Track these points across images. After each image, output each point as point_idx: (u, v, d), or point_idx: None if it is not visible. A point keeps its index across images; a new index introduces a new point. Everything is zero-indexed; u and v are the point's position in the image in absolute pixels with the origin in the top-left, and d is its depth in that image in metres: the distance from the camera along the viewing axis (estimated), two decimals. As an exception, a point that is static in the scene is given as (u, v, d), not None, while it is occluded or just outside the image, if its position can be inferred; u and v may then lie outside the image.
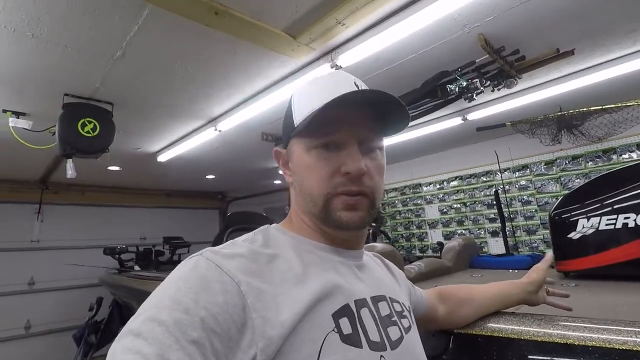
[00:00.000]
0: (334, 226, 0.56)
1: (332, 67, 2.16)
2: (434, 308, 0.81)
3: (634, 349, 0.65)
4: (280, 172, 0.65)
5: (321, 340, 0.45)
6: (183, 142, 3.50)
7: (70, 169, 2.59)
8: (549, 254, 1.01)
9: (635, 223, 1.30)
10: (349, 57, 2.10)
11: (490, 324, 0.85)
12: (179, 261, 4.87)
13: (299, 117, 0.58)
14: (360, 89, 0.57)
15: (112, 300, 4.21)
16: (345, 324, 0.49)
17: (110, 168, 4.38)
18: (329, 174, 0.55)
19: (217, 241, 2.81)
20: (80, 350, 3.73)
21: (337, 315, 0.49)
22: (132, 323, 0.41)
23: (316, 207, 0.56)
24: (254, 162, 4.65)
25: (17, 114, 2.63)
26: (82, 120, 2.46)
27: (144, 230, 5.91)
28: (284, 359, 0.43)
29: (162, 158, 3.94)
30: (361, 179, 0.55)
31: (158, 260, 4.98)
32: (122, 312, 4.12)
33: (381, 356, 0.50)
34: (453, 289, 0.88)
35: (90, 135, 2.48)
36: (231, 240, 0.55)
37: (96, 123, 2.51)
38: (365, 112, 0.56)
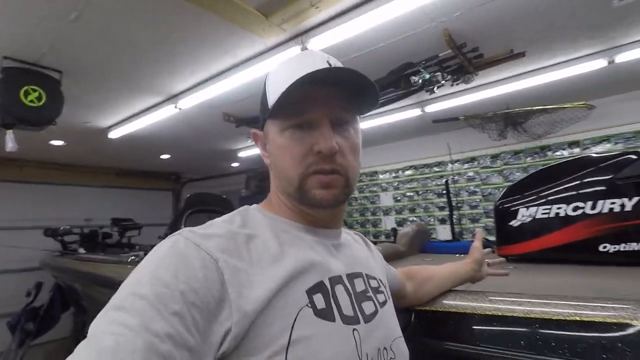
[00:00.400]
0: (309, 204, 0.57)
1: (302, 50, 2.15)
2: (404, 286, 0.88)
3: (567, 319, 0.76)
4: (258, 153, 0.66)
5: (294, 315, 0.47)
6: (139, 119, 3.32)
7: (10, 141, 2.36)
8: (478, 230, 1.13)
9: (566, 213, 1.47)
10: (319, 41, 2.11)
11: (446, 301, 0.94)
12: (128, 244, 4.69)
13: (272, 98, 0.56)
14: (332, 66, 0.56)
15: (54, 284, 3.93)
16: (319, 300, 0.51)
17: (54, 142, 4.03)
18: (302, 154, 0.55)
19: (176, 223, 2.73)
20: (16, 338, 3.45)
21: (311, 292, 0.51)
22: (114, 300, 0.42)
23: (291, 187, 0.57)
24: (214, 143, 4.52)
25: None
26: (25, 87, 2.24)
27: (90, 211, 5.51)
28: (258, 332, 0.44)
29: (114, 134, 3.70)
30: (334, 157, 0.55)
31: (105, 243, 4.70)
32: (64, 297, 3.86)
33: (354, 329, 0.52)
34: (417, 269, 0.96)
35: (34, 104, 2.27)
36: (209, 222, 0.55)
37: (41, 91, 2.30)
38: (338, 90, 0.56)
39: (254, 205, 0.63)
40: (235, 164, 5.86)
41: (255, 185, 5.37)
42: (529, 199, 1.59)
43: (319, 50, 0.62)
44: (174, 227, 2.72)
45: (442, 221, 4.80)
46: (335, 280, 0.56)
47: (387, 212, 5.34)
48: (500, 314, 0.85)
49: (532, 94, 3.21)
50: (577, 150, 3.89)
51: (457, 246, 2.31)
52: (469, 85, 2.91)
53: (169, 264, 0.44)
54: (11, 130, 2.37)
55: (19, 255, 4.57)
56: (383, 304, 0.62)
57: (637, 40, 2.45)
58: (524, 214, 1.59)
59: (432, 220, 4.90)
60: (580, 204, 1.45)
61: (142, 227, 4.95)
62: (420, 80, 2.43)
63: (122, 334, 0.37)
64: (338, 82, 0.55)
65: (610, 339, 0.70)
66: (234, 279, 0.45)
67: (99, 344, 0.37)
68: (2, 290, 4.58)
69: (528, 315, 0.81)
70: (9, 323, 3.63)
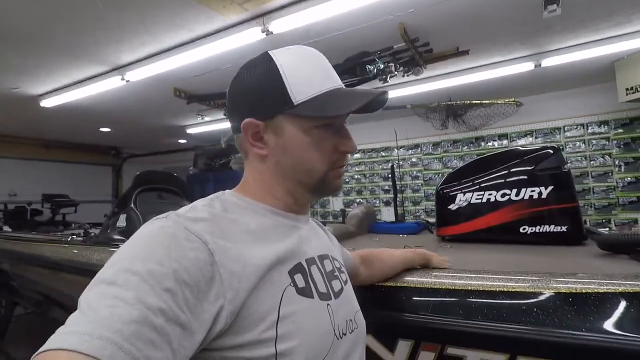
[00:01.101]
0: (327, 192, 0.66)
1: (263, 32, 2.16)
2: (356, 268, 0.97)
3: (496, 290, 0.92)
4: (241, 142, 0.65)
5: (280, 294, 0.52)
6: (78, 88, 3.06)
7: None
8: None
9: (495, 198, 1.67)
10: (281, 24, 2.13)
11: (397, 278, 1.07)
12: (63, 222, 4.37)
13: (299, 95, 0.58)
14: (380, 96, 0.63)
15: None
16: (299, 279, 0.56)
17: (-30, 108, 3.59)
18: (329, 152, 0.61)
19: (125, 201, 2.61)
20: None
21: (292, 272, 0.56)
22: (104, 275, 0.42)
23: (312, 179, 0.62)
24: (161, 118, 4.31)
25: None
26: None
27: (14, 186, 5.00)
28: (249, 310, 0.48)
29: (47, 103, 3.38)
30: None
31: (34, 221, 4.33)
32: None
33: (328, 304, 0.58)
34: (374, 253, 1.06)
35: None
36: (190, 205, 0.57)
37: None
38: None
39: (228, 191, 0.65)
40: (182, 141, 5.64)
41: (203, 162, 5.23)
42: (466, 185, 1.76)
43: (316, 50, 0.66)
44: (122, 205, 2.60)
45: (387, 203, 5.09)
46: (311, 261, 0.62)
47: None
48: (443, 287, 0.99)
49: (472, 89, 3.50)
50: (505, 142, 4.34)
51: (401, 227, 2.47)
52: (417, 77, 3.10)
53: (160, 243, 0.45)
54: None
55: None
56: (345, 282, 0.71)
57: (561, 48, 2.79)
58: (461, 199, 1.75)
59: (378, 202, 5.17)
60: (507, 191, 1.64)
61: (78, 204, 4.62)
62: (375, 69, 2.56)
63: (116, 306, 0.38)
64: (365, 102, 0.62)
65: (528, 305, 0.86)
66: (225, 260, 0.47)
67: (94, 314, 0.37)
68: None
69: (464, 288, 0.97)
70: None
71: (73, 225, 4.21)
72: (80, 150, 5.83)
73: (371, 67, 2.54)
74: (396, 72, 2.56)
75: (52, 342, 0.36)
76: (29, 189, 4.94)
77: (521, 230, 1.60)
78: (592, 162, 3.92)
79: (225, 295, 0.45)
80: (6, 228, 3.92)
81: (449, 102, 3.63)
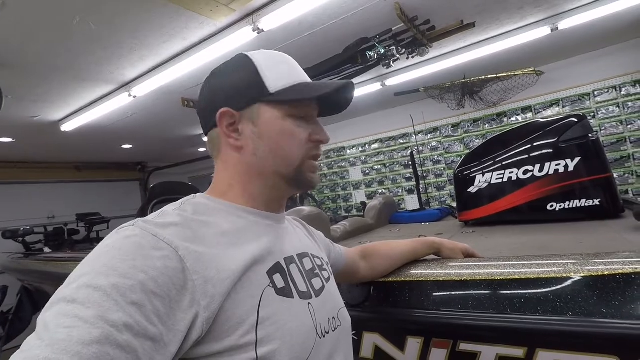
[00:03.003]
0: (301, 185, 0.66)
1: (254, 31, 2.11)
2: (355, 264, 0.93)
3: (510, 277, 0.84)
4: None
5: (259, 295, 0.50)
6: (92, 109, 3.16)
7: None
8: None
9: (517, 176, 1.58)
10: (271, 20, 2.08)
11: (402, 271, 1.01)
12: (97, 239, 4.57)
13: (275, 84, 0.61)
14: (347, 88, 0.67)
15: (20, 287, 3.81)
16: (278, 279, 0.55)
17: (0, 140, 3.80)
18: (304, 140, 0.63)
19: (141, 214, 2.68)
20: (-14, 344, 3.37)
21: (270, 272, 0.55)
22: (63, 291, 0.40)
23: (289, 168, 0.62)
24: (175, 129, 4.40)
25: None
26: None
27: (52, 208, 5.29)
28: (227, 314, 0.46)
29: (67, 127, 3.52)
30: (321, 145, 0.66)
31: (72, 240, 4.56)
32: (33, 299, 3.76)
33: (309, 303, 0.57)
34: (375, 246, 1.01)
35: (-31, 101, 2.13)
36: (160, 210, 0.55)
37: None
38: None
39: (200, 194, 0.63)
40: (202, 149, 5.74)
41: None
42: (485, 165, 1.68)
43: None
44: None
45: (410, 191, 4.95)
46: (289, 260, 0.60)
47: (357, 186, 5.44)
48: (451, 279, 0.92)
49: (486, 63, 3.30)
50: (530, 115, 4.07)
51: (423, 215, 2.39)
52: (425, 58, 2.96)
53: (125, 253, 0.43)
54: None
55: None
56: (327, 279, 0.68)
57: (579, 7, 2.56)
58: (481, 180, 1.68)
59: (401, 191, 5.04)
60: (530, 167, 1.55)
61: (109, 221, 4.83)
62: (376, 55, 2.46)
63: (75, 326, 0.36)
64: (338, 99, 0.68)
65: (554, 292, 0.77)
66: (197, 265, 0.46)
67: (50, 338, 0.35)
68: (-35, 298, 4.38)
69: (475, 278, 0.89)
70: (-24, 330, 3.52)
71: (106, 241, 4.39)
72: (108, 169, 6.09)
73: (372, 53, 2.44)
74: (399, 56, 2.45)
75: None
76: (65, 210, 5.21)
77: (549, 207, 1.51)
78: (629, 127, 3.60)
79: (200, 302, 0.44)
80: (46, 249, 4.15)
81: (463, 80, 3.46)
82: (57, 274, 2.87)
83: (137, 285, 0.40)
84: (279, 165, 0.61)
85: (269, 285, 0.53)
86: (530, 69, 3.13)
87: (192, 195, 0.62)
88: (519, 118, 4.13)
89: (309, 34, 2.37)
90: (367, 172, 5.33)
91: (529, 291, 0.80)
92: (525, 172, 1.57)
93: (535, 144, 1.58)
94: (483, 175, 1.68)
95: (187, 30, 2.16)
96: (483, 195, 1.67)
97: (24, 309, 3.73)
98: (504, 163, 1.63)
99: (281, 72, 0.62)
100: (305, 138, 0.63)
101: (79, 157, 5.37)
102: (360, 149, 5.38)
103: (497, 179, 1.64)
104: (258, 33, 2.13)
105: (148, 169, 6.61)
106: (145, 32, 2.12)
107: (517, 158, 1.60)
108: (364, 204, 4.75)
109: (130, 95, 2.86)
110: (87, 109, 3.21)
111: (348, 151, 5.50)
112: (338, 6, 2.11)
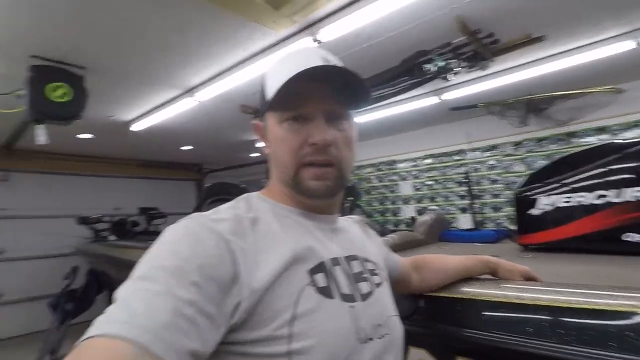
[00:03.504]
0: (303, 194, 0.61)
1: (314, 41, 2.17)
2: (408, 274, 0.90)
3: (578, 306, 0.76)
4: (261, 144, 0.70)
5: (298, 292, 0.52)
6: (158, 112, 3.43)
7: (41, 135, 2.50)
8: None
9: (589, 201, 1.44)
10: (330, 32, 2.12)
11: (455, 287, 0.96)
12: (155, 232, 4.90)
13: (271, 92, 0.60)
14: (330, 63, 0.59)
15: (89, 269, 4.19)
16: (319, 279, 0.55)
17: (81, 136, 4.24)
18: (298, 145, 0.59)
19: (197, 211, 2.84)
20: (57, 317, 3.72)
21: (312, 271, 0.55)
22: (137, 272, 0.45)
23: (287, 176, 0.61)
24: (233, 134, 4.61)
25: (-21, 75, 2.50)
26: (52, 84, 2.37)
27: (118, 201, 5.79)
28: (265, 307, 0.49)
29: (136, 127, 3.85)
30: (327, 149, 0.59)
31: (134, 231, 4.94)
32: (99, 280, 4.12)
33: (350, 306, 0.56)
34: (428, 259, 0.97)
35: (61, 100, 2.40)
36: (215, 208, 0.59)
37: (67, 88, 2.43)
38: (332, 86, 0.59)
39: (254, 192, 0.67)
40: (254, 154, 5.96)
41: (274, 174, 5.45)
42: (550, 187, 1.57)
43: (317, 47, 0.69)
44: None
45: (463, 210, 4.73)
46: (335, 261, 0.60)
47: (406, 200, 5.30)
48: (509, 300, 0.85)
49: (555, 79, 3.07)
50: (605, 136, 3.70)
51: (477, 235, 2.28)
52: (486, 72, 2.83)
53: (186, 241, 0.48)
54: (42, 125, 2.52)
55: (55, 242, 4.88)
56: (378, 285, 0.66)
57: (670, 19, 2.30)
58: (545, 203, 1.57)
59: (453, 209, 4.83)
60: (604, 192, 1.41)
61: (167, 216, 5.17)
62: (434, 68, 2.39)
63: (150, 298, 0.41)
64: (329, 78, 0.58)
65: (622, 327, 0.69)
66: (243, 258, 0.49)
67: (129, 307, 0.40)
68: (43, 274, 4.91)
69: (536, 303, 0.81)
70: (49, 303, 3.90)
71: (162, 234, 4.70)
72: (168, 168, 6.53)
73: (430, 66, 2.38)
74: (459, 69, 2.37)
75: (93, 330, 0.38)
76: (129, 203, 5.67)
77: (624, 238, 1.35)
78: None
79: (243, 291, 0.47)
80: (112, 237, 4.55)
81: (529, 97, 3.25)
82: (120, 259, 3.11)
83: (197, 268, 0.45)
84: (280, 173, 0.63)
85: (309, 284, 0.54)
86: (608, 87, 2.85)
87: (248, 193, 0.66)
88: (592, 139, 3.77)
89: (367, 45, 2.38)
90: (419, 187, 5.18)
91: (601, 323, 0.72)
92: (598, 197, 1.42)
93: (612, 167, 1.43)
94: (548, 197, 1.56)
95: (250, 41, 2.27)
96: (547, 219, 1.54)
97: (90, 289, 4.09)
98: (572, 186, 1.50)
99: (278, 73, 0.59)
100: (299, 143, 0.59)
101: (144, 155, 5.82)
102: (412, 163, 5.24)
103: (564, 202, 1.51)
104: (318, 44, 2.17)
105: (204, 170, 6.99)
106: (212, 42, 2.26)
107: (589, 181, 1.46)
108: (413, 218, 4.61)
109: (194, 100, 3.06)
110: (155, 111, 3.47)
111: (399, 165, 5.39)
112: (397, 18, 2.09)
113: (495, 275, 0.97)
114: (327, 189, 0.61)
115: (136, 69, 2.61)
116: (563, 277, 1.01)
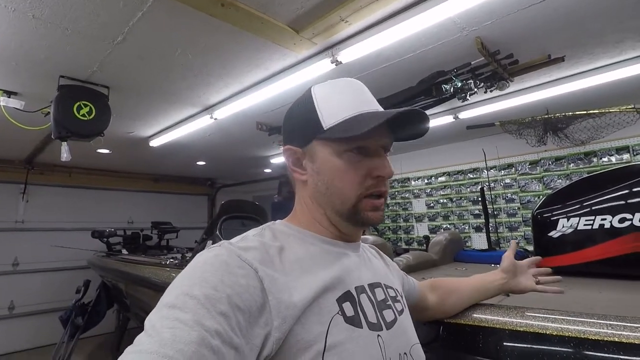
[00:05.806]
0: (359, 223, 0.63)
1: (332, 63, 2.19)
2: (425, 297, 0.89)
3: (605, 339, 0.73)
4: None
5: (328, 322, 0.51)
6: (177, 128, 3.49)
7: (65, 152, 2.56)
8: (513, 241, 1.08)
9: (611, 224, 1.39)
10: (349, 54, 2.14)
11: (476, 315, 0.93)
12: (167, 246, 4.92)
13: (329, 120, 0.61)
14: (386, 110, 0.62)
15: (100, 282, 4.21)
16: (348, 308, 0.55)
17: (100, 151, 4.32)
18: (361, 177, 0.61)
19: (212, 228, 2.84)
20: (67, 331, 3.72)
21: (340, 300, 0.55)
22: (166, 299, 0.45)
23: (345, 206, 0.61)
24: (247, 150, 4.66)
25: (9, 93, 2.58)
26: (78, 103, 2.43)
27: (132, 214, 5.85)
28: (296, 337, 0.48)
29: (155, 143, 3.91)
30: (386, 181, 0.63)
31: (146, 245, 4.97)
32: (109, 294, 4.12)
33: (378, 335, 0.56)
34: (442, 281, 0.96)
35: (86, 118, 2.46)
36: (241, 235, 0.60)
37: (92, 106, 2.49)
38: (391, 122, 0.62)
39: (279, 221, 0.67)
40: (267, 170, 5.99)
41: (287, 190, 5.46)
42: (570, 208, 1.53)
43: (358, 80, 0.67)
44: (209, 232, 2.84)
45: (478, 229, 4.65)
46: (360, 289, 0.60)
47: (419, 218, 5.24)
48: (533, 330, 0.83)
49: (574, 99, 3.06)
50: (626, 156, 3.64)
51: (492, 256, 2.22)
52: (504, 92, 2.83)
53: (215, 270, 0.48)
54: (66, 142, 2.58)
55: (69, 255, 4.92)
56: (401, 312, 0.66)
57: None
58: (565, 225, 1.52)
59: (467, 227, 4.75)
60: (628, 215, 1.37)
61: (179, 231, 5.19)
62: (452, 88, 2.39)
63: (177, 327, 0.41)
64: (403, 124, 0.64)
65: None
66: (273, 287, 0.49)
67: (158, 336, 0.40)
68: (55, 287, 4.95)
69: (561, 334, 0.79)
70: (61, 317, 3.91)
71: (175, 249, 4.72)
72: (181, 182, 6.60)
73: (447, 87, 2.38)
74: (476, 89, 2.36)
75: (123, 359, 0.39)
76: (142, 217, 5.72)
77: None
78: None
79: (273, 322, 0.47)
80: (124, 251, 4.58)
81: (547, 116, 3.21)
82: (131, 275, 3.12)
83: (225, 298, 0.44)
84: (334, 203, 0.62)
85: (338, 313, 0.53)
86: (630, 107, 2.81)
87: (272, 221, 0.66)
88: (613, 159, 3.71)
89: (385, 66, 2.40)
90: (432, 205, 5.12)
91: (625, 357, 0.69)
92: (621, 220, 1.37)
93: (635, 189, 1.39)
94: (568, 220, 1.51)
95: (270, 61, 2.31)
96: (567, 242, 1.50)
97: (101, 303, 4.10)
98: (594, 208, 1.46)
99: (337, 104, 0.61)
100: (363, 175, 0.61)
101: (158, 170, 5.90)
102: (426, 181, 5.20)
103: (585, 225, 1.46)
104: (336, 65, 2.20)
105: (216, 185, 7.04)
106: (234, 63, 2.30)
107: (612, 203, 1.41)
108: (427, 237, 4.55)
109: (212, 118, 3.10)
110: (173, 128, 3.54)
111: (412, 182, 5.35)
112: (416, 40, 2.11)
113: (512, 292, 0.96)
114: (381, 218, 0.64)
115: (159, 88, 2.67)
116: (589, 304, 0.97)
